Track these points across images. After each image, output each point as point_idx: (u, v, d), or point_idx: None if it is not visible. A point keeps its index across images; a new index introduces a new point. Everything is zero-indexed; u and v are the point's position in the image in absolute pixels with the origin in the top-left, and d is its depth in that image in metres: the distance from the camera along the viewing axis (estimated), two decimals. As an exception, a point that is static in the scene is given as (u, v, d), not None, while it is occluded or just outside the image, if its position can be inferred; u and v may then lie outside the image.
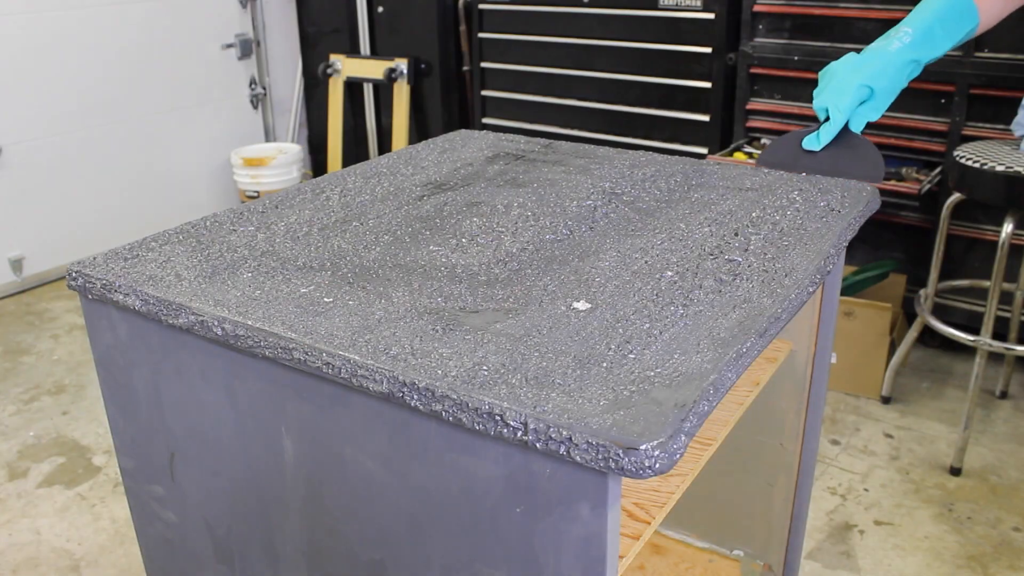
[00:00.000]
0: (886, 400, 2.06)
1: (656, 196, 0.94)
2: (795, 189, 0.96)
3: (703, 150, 2.41)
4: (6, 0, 2.58)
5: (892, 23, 2.19)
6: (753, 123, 2.33)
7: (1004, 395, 2.08)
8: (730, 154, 2.24)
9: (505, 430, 0.55)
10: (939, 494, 1.73)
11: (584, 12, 2.55)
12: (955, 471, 1.79)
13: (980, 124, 2.04)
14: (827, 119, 1.02)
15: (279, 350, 0.64)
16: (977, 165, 1.70)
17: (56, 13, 2.70)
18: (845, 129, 1.02)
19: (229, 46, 3.21)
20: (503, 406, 0.55)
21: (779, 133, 2.32)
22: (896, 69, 1.00)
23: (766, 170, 1.03)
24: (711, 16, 2.32)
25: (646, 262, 0.77)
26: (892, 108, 2.17)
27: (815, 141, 1.03)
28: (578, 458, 0.52)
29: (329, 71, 3.18)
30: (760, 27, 2.28)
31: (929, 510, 1.68)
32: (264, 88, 3.35)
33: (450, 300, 0.70)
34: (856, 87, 0.99)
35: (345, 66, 3.17)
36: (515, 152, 1.12)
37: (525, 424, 0.54)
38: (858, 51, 1.05)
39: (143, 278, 0.74)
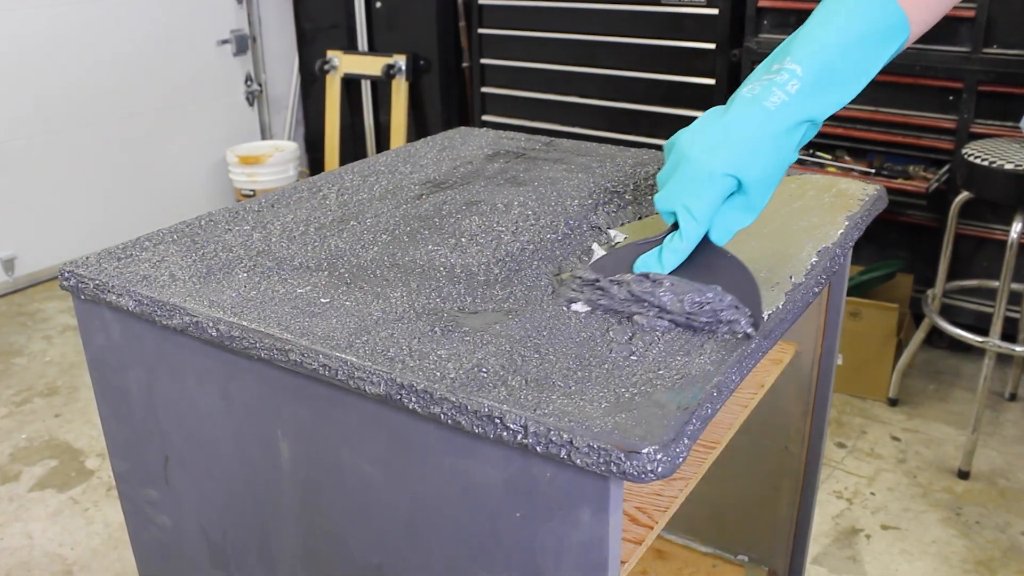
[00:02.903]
0: (893, 402, 2.04)
1: (659, 194, 0.93)
2: (804, 186, 0.95)
3: (707, 149, 2.39)
4: (-1, -2, 2.58)
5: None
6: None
7: (1013, 397, 2.06)
8: (734, 153, 2.22)
9: (505, 433, 0.54)
10: (947, 498, 1.71)
11: (586, 7, 2.54)
12: (963, 474, 1.77)
13: (989, 121, 2.02)
14: (675, 226, 0.66)
15: (275, 351, 0.63)
16: (986, 163, 1.68)
17: (49, 10, 2.69)
18: (704, 243, 0.66)
19: (224, 42, 3.20)
20: (503, 408, 0.54)
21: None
22: (777, 140, 0.62)
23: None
24: (715, 12, 2.31)
25: (649, 261, 0.75)
26: (897, 105, 2.16)
27: (656, 262, 0.65)
28: (579, 462, 0.51)
29: (326, 68, 3.18)
30: (764, 23, 2.27)
31: (937, 514, 1.66)
32: (260, 85, 3.34)
33: (449, 301, 0.69)
34: (719, 179, 0.62)
35: (342, 62, 3.16)
36: (515, 150, 1.11)
37: (525, 427, 0.53)
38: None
39: (137, 278, 0.74)
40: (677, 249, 0.65)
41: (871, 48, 0.64)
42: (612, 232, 0.82)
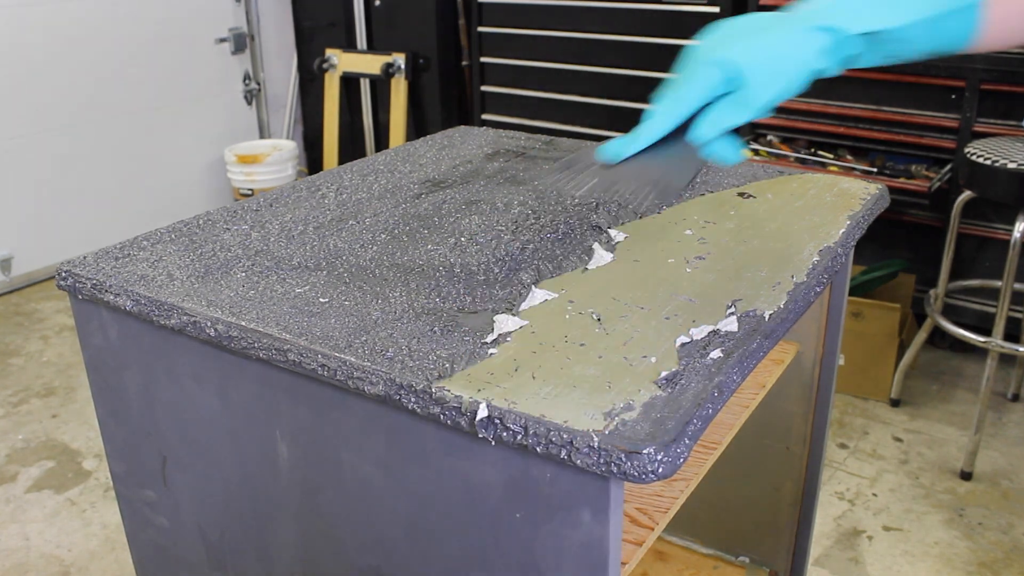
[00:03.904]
0: (895, 403, 2.03)
1: (661, 193, 0.92)
2: (805, 185, 0.94)
3: (708, 148, 2.39)
4: (-7, -7, 2.57)
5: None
6: (758, 119, 2.31)
7: (1016, 398, 2.05)
8: (736, 152, 2.22)
9: (505, 434, 0.53)
10: (949, 499, 1.71)
11: (586, 6, 2.53)
12: (966, 475, 1.77)
13: (991, 120, 2.02)
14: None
15: (273, 352, 0.63)
16: (988, 162, 1.68)
17: (45, 6, 2.68)
18: (677, 137, 0.63)
19: (223, 40, 3.19)
20: (503, 409, 0.53)
21: (787, 129, 2.30)
22: (789, 38, 0.58)
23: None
24: (716, 10, 2.31)
25: (650, 261, 0.75)
26: (899, 103, 2.15)
27: (614, 148, 0.65)
28: (579, 462, 0.51)
29: (325, 66, 3.17)
30: (766, 23, 2.26)
31: (939, 515, 1.66)
32: (258, 83, 3.33)
33: (448, 300, 0.68)
34: (708, 65, 0.58)
35: (341, 61, 3.15)
36: (515, 149, 1.10)
37: (525, 427, 0.53)
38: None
39: (134, 278, 0.73)
40: (636, 132, 0.62)
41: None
42: (612, 231, 0.82)
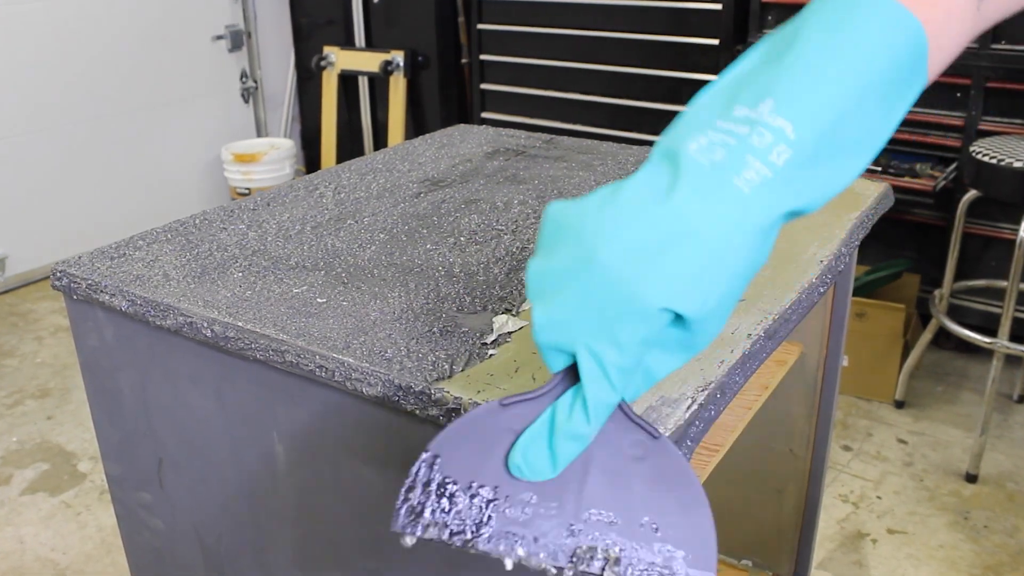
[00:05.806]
0: (899, 404, 2.02)
1: (663, 192, 0.91)
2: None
3: (711, 147, 2.38)
4: (-11, -8, 2.56)
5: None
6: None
7: (1021, 399, 2.04)
8: (738, 151, 2.21)
9: (504, 438, 0.52)
10: (954, 501, 1.69)
11: (587, 2, 2.52)
12: (971, 478, 1.75)
13: (997, 119, 2.01)
14: (568, 373, 0.39)
15: (271, 352, 0.62)
16: (994, 161, 1.67)
17: (40, 4, 2.68)
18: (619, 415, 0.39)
19: (219, 38, 3.18)
20: (501, 413, 0.52)
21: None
22: (749, 245, 0.36)
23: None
24: (718, 7, 2.29)
25: (653, 261, 0.74)
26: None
27: (544, 454, 0.38)
28: (580, 468, 0.50)
29: (323, 64, 3.16)
30: (769, 18, 2.25)
31: (944, 518, 1.65)
32: (255, 81, 3.33)
33: (447, 300, 0.67)
34: (653, 316, 0.36)
35: (339, 59, 3.14)
36: (515, 147, 1.10)
37: (525, 432, 0.52)
38: None
39: (130, 278, 0.72)
40: (578, 433, 0.37)
41: (892, 97, 0.38)
42: None
